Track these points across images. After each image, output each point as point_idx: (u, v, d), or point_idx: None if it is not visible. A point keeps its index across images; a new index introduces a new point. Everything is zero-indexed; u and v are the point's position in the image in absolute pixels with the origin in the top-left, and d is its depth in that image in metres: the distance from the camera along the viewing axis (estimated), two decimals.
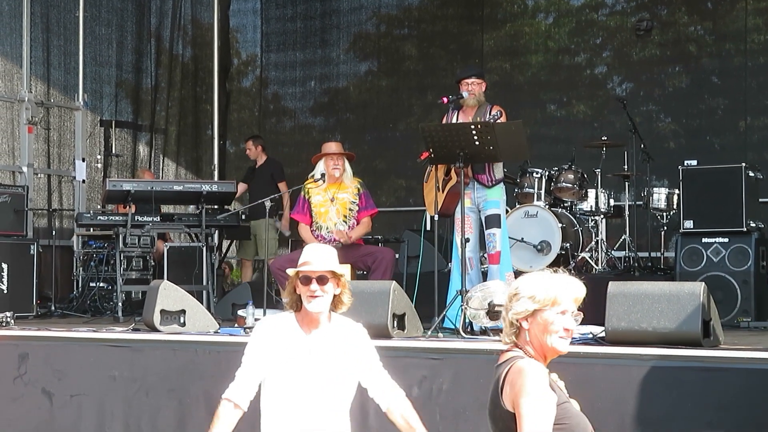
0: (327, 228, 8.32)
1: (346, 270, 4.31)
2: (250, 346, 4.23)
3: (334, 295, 4.19)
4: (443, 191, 7.59)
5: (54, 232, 10.36)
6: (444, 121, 7.80)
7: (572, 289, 3.49)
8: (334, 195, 8.35)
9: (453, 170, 7.44)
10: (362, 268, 8.22)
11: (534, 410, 3.29)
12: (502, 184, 7.72)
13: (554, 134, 12.09)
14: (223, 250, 11.51)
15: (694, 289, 5.89)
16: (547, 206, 9.29)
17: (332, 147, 8.43)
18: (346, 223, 8.33)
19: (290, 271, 4.20)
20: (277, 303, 8.82)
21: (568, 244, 9.10)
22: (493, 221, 7.59)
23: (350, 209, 8.34)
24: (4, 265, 9.09)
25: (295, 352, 4.12)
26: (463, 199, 7.36)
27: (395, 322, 6.61)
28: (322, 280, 4.12)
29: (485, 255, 8.25)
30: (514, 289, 3.52)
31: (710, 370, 5.47)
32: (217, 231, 9.99)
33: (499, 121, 7.52)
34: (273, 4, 13.68)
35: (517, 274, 7.73)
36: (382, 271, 7.97)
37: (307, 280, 4.11)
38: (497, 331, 6.46)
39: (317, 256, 4.17)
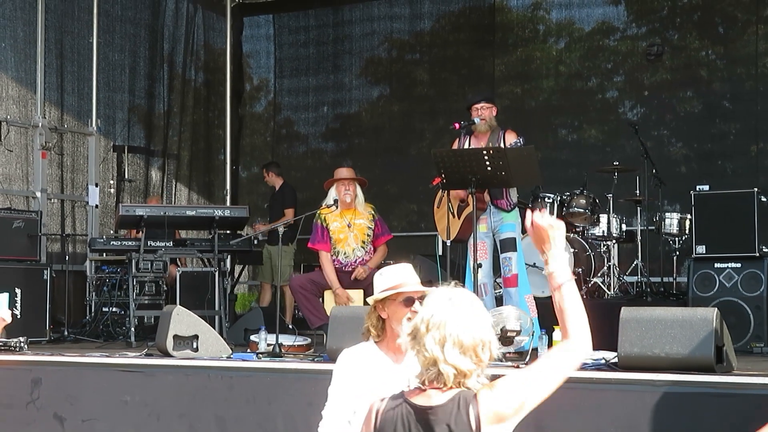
0: (345, 253, 8.35)
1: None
2: (337, 383, 4.18)
3: None
4: (459, 218, 7.59)
5: (67, 257, 10.36)
6: (455, 146, 7.82)
7: None
8: (351, 221, 8.38)
9: (468, 197, 7.43)
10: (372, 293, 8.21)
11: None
12: (516, 208, 7.74)
13: (565, 159, 12.09)
14: (236, 276, 11.53)
15: (707, 314, 5.87)
16: None
17: (343, 173, 8.50)
18: (363, 248, 8.37)
19: (374, 297, 4.19)
20: (288, 328, 8.82)
21: (580, 270, 9.10)
22: (509, 245, 7.60)
23: (368, 234, 8.40)
24: (18, 290, 9.09)
25: (392, 383, 4.04)
26: (476, 225, 7.34)
27: None
28: (421, 299, 4.17)
29: (497, 280, 8.25)
30: (479, 337, 3.07)
31: (723, 396, 5.45)
32: (229, 256, 10.00)
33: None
34: (286, 30, 13.75)
35: None
36: None
37: (410, 301, 4.14)
38: (510, 355, 6.46)
39: (410, 277, 4.22)
